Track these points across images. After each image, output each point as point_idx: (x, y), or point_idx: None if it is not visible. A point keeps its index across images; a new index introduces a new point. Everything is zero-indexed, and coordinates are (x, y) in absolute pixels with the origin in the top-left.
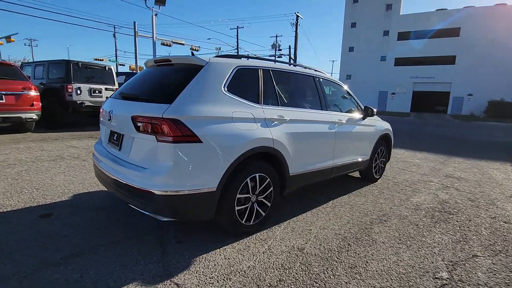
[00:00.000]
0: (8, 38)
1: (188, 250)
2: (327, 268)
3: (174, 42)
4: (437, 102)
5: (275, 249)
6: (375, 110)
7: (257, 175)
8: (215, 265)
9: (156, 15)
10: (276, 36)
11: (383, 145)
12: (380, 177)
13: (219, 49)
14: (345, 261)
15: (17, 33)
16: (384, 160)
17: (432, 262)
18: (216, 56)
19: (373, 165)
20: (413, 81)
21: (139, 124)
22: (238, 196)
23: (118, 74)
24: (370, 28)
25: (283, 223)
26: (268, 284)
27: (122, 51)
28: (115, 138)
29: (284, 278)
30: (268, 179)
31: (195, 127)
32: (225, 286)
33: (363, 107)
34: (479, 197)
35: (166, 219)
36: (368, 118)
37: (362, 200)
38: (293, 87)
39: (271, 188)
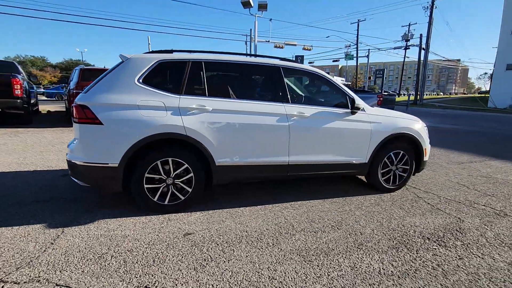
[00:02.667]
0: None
1: (107, 215)
2: (177, 254)
3: (286, 44)
4: None
5: (166, 229)
6: (358, 101)
7: (169, 159)
8: (102, 227)
9: (270, 20)
10: (409, 25)
11: (403, 149)
12: (399, 188)
13: (349, 46)
14: (203, 256)
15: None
16: (406, 167)
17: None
18: (149, 52)
19: (380, 171)
20: None
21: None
22: (147, 175)
23: None
24: None
25: (209, 211)
26: (114, 251)
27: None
28: None
29: (134, 250)
30: (186, 165)
31: (100, 112)
32: (86, 242)
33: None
34: None
35: (83, 184)
36: (362, 112)
37: (333, 207)
38: (232, 78)
39: (191, 174)
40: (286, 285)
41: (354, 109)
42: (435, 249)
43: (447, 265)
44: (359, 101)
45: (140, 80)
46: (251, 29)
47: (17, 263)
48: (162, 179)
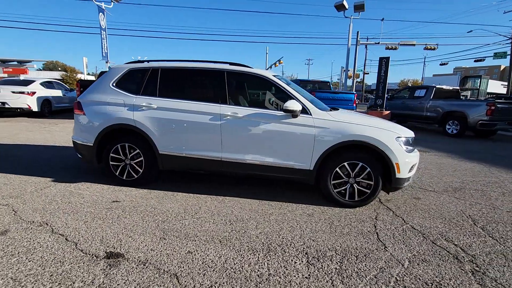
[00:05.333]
0: (279, 62)
1: (91, 180)
2: (90, 211)
3: (402, 44)
4: None
5: (108, 195)
6: (289, 104)
7: (126, 144)
8: (76, 187)
9: (382, 19)
10: None
11: (364, 160)
12: (361, 204)
13: None
14: (102, 216)
15: (282, 57)
16: (370, 183)
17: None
18: (128, 62)
19: (330, 182)
20: None
21: None
22: (111, 155)
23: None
24: None
25: (154, 190)
26: (61, 201)
27: (371, 60)
28: None
29: (71, 203)
30: (138, 150)
31: (85, 106)
32: (56, 192)
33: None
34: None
35: (80, 157)
36: (306, 116)
37: (260, 208)
38: (181, 81)
39: (141, 158)
40: (124, 246)
41: (285, 111)
42: (280, 260)
43: (278, 276)
44: (290, 104)
45: (114, 84)
46: (358, 32)
47: (12, 195)
48: (122, 159)
